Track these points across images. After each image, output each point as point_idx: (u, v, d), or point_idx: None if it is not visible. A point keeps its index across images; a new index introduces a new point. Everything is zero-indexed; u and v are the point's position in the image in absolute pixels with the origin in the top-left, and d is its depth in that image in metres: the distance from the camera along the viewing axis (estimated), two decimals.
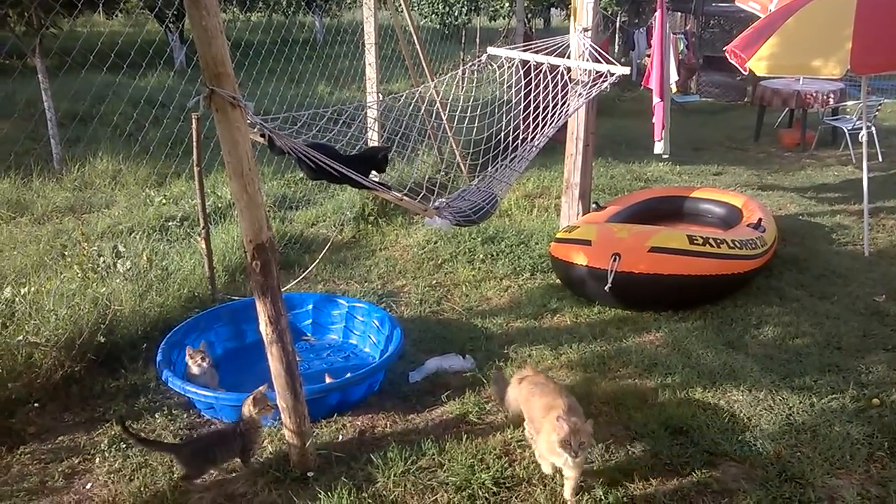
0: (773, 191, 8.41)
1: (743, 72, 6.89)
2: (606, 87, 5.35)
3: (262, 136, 3.31)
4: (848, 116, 10.50)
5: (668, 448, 3.61)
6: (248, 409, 3.43)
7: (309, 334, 4.93)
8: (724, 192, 7.08)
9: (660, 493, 3.30)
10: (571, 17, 5.86)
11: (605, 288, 4.99)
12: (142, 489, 3.33)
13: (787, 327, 4.92)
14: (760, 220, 5.80)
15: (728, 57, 6.77)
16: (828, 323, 4.97)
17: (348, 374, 4.17)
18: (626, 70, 5.31)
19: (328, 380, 4.11)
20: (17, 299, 4.35)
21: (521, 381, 3.60)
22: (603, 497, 3.26)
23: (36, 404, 3.90)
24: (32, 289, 4.45)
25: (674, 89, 8.43)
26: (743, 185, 8.63)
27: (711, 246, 5.15)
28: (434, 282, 5.73)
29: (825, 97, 10.33)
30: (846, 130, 9.81)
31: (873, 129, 8.95)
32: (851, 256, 6.26)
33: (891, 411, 3.89)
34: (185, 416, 3.94)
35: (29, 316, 4.23)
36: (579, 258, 5.22)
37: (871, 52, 5.73)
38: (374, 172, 3.98)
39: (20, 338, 3.99)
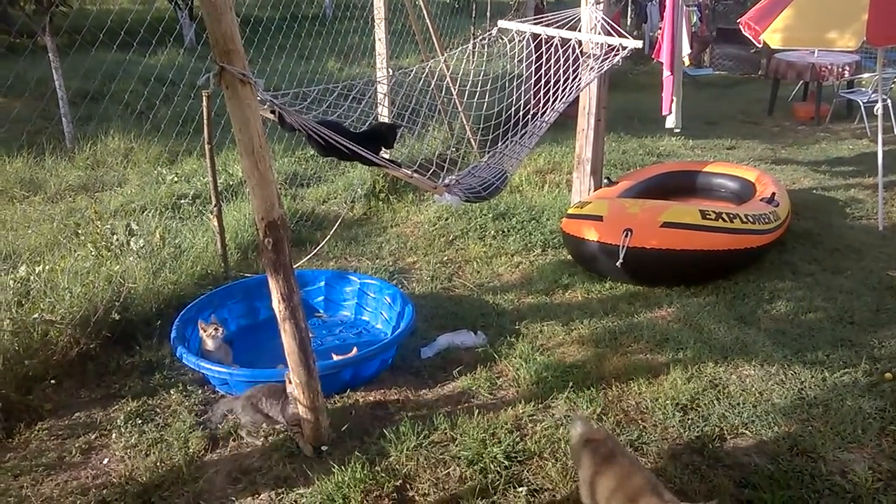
0: (787, 165, 8.33)
1: (757, 44, 6.81)
2: (618, 61, 5.29)
3: (273, 112, 3.30)
4: (863, 89, 10.37)
5: (679, 422, 3.62)
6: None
7: (321, 311, 4.96)
8: (738, 166, 7.03)
9: (671, 468, 3.31)
10: None
11: (617, 263, 4.98)
12: (158, 464, 3.38)
13: (800, 302, 4.90)
14: (774, 194, 5.76)
15: (742, 29, 6.69)
16: (841, 297, 4.95)
17: (353, 350, 4.18)
18: (639, 43, 5.25)
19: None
20: (31, 278, 4.39)
21: (588, 442, 3.03)
22: None
23: (53, 381, 3.95)
24: (47, 267, 4.49)
25: (686, 62, 8.33)
26: (756, 159, 8.56)
27: (724, 221, 5.12)
28: (445, 258, 5.74)
29: (840, 70, 10.19)
30: (861, 103, 9.68)
31: (889, 101, 8.82)
32: (865, 231, 6.22)
33: None
34: (199, 391, 3.98)
35: (44, 294, 4.27)
36: (591, 234, 5.21)
37: (887, 24, 5.64)
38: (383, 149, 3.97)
39: (36, 316, 4.03)
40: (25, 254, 5.07)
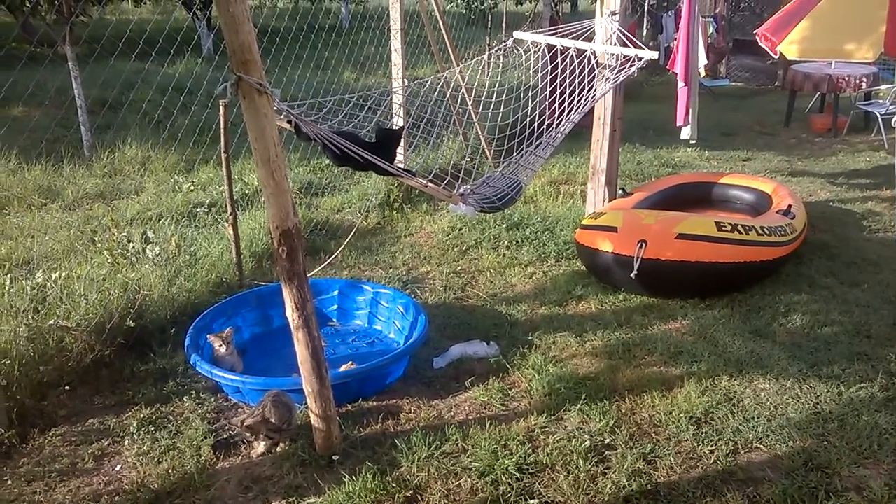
0: (804, 177, 8.28)
1: (773, 56, 6.78)
2: (634, 72, 5.29)
3: (289, 122, 3.32)
4: (881, 101, 10.30)
5: (692, 436, 3.59)
6: None
7: (334, 320, 4.96)
8: (754, 177, 6.98)
9: (684, 482, 3.29)
10: (599, 1, 5.80)
11: (631, 275, 4.96)
12: (170, 471, 3.39)
13: (816, 315, 4.86)
14: (790, 206, 5.73)
15: (758, 40, 6.67)
16: (857, 311, 4.91)
17: (349, 364, 4.16)
18: (654, 54, 5.25)
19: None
20: (48, 284, 4.43)
21: None
22: (626, 485, 3.26)
23: (67, 387, 3.98)
24: (63, 274, 4.52)
25: (703, 73, 8.31)
26: (773, 170, 8.51)
27: (740, 233, 5.09)
28: (458, 268, 5.73)
29: (858, 81, 10.13)
30: (879, 115, 9.62)
31: None
32: (882, 243, 6.16)
33: None
34: (212, 399, 3.99)
35: (60, 301, 4.30)
36: (605, 245, 5.19)
37: None
38: (399, 158, 3.97)
39: (51, 322, 4.06)
40: (42, 260, 5.12)
